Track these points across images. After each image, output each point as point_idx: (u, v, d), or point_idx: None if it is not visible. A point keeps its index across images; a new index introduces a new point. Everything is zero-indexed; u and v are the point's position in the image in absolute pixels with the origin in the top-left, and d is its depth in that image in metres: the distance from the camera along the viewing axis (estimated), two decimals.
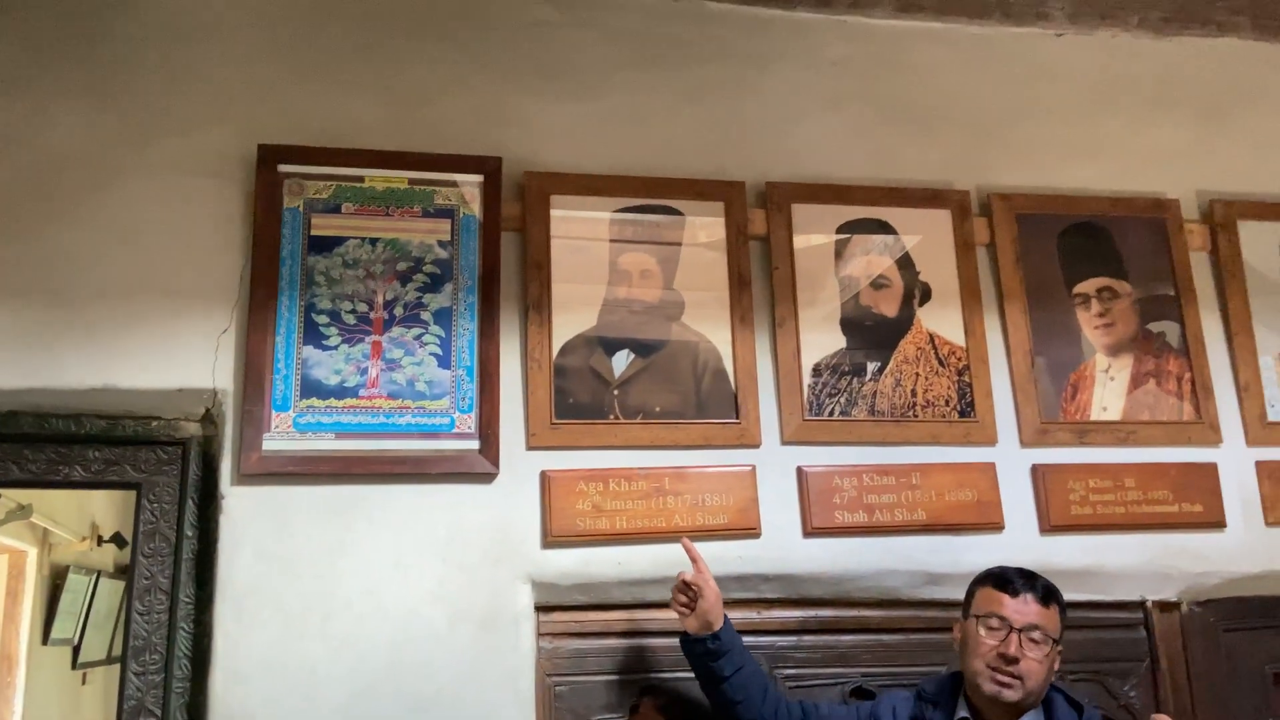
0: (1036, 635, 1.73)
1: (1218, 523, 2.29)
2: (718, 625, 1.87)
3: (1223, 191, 2.54)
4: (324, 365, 2.03)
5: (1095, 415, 2.32)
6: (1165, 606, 2.28)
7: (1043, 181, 2.48)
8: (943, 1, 2.53)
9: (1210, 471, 2.31)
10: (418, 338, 2.09)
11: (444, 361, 2.08)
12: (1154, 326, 2.40)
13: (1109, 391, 2.34)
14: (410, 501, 2.02)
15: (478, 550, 2.02)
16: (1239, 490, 2.32)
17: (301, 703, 1.90)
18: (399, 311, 2.09)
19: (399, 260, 2.12)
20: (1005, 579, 1.80)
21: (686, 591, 1.89)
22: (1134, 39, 2.66)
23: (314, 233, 2.09)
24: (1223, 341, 2.43)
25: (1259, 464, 2.34)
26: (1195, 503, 2.28)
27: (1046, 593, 1.79)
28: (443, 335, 2.09)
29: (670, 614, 2.13)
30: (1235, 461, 2.34)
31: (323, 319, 2.06)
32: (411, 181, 2.16)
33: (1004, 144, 2.50)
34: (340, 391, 2.03)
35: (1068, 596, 2.22)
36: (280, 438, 1.99)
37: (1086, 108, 2.57)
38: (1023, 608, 1.75)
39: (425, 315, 2.10)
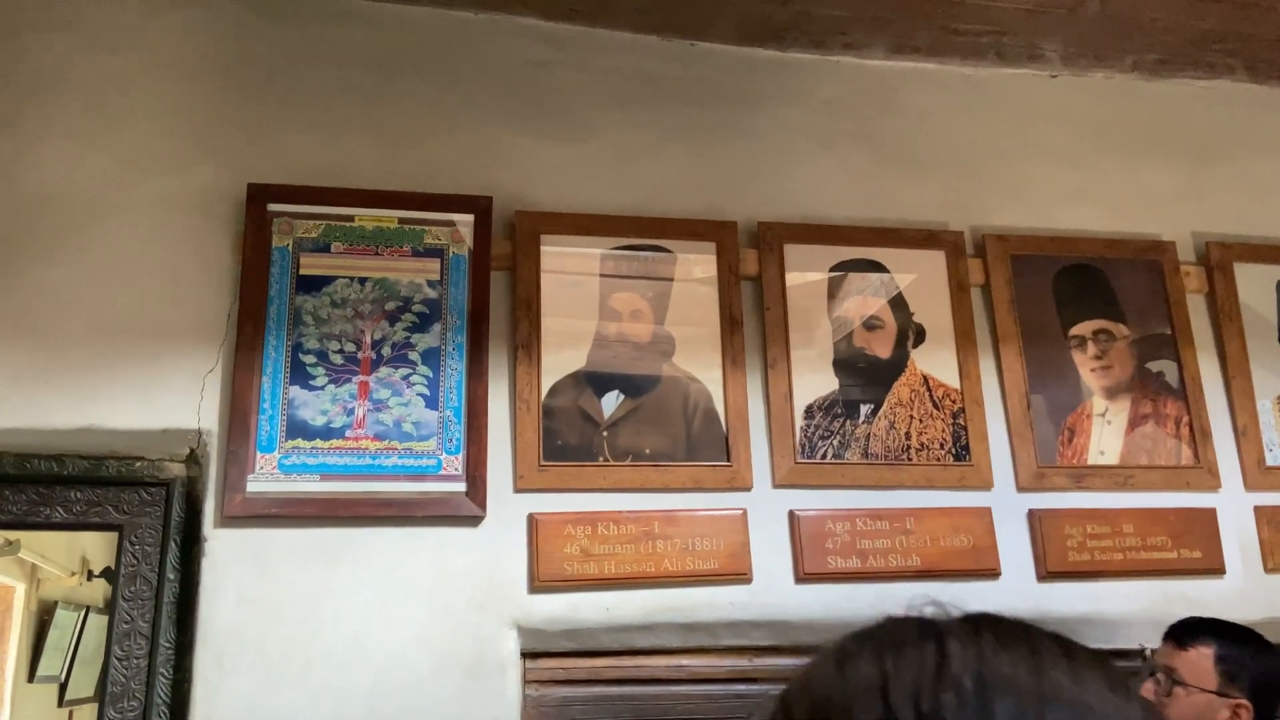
0: (1160, 677, 1.74)
1: (1217, 569, 2.26)
2: None
3: (1219, 233, 2.53)
4: (310, 406, 2.01)
5: (1093, 459, 2.29)
6: None
7: (1038, 223, 2.46)
8: (936, 43, 2.54)
9: (1209, 517, 2.28)
10: (405, 378, 2.07)
11: (431, 402, 2.06)
12: (1151, 369, 2.38)
13: (1106, 435, 2.31)
14: (395, 545, 1.99)
15: (463, 595, 1.99)
16: (1238, 536, 2.29)
17: None
18: (387, 351, 2.08)
19: (388, 300, 2.10)
20: (1181, 630, 1.81)
21: None
22: (1128, 81, 2.66)
23: (303, 272, 2.08)
24: (1220, 384, 2.40)
25: (1258, 509, 2.31)
26: (1194, 549, 2.25)
27: (1187, 634, 1.77)
28: (430, 375, 2.07)
29: (660, 661, 2.11)
30: (1234, 506, 2.31)
31: (310, 359, 2.04)
32: (401, 221, 2.15)
33: (998, 185, 2.50)
34: (326, 432, 2.00)
35: None
36: (264, 479, 1.96)
37: (1081, 149, 2.56)
38: (1161, 649, 1.80)
39: (413, 355, 2.08)
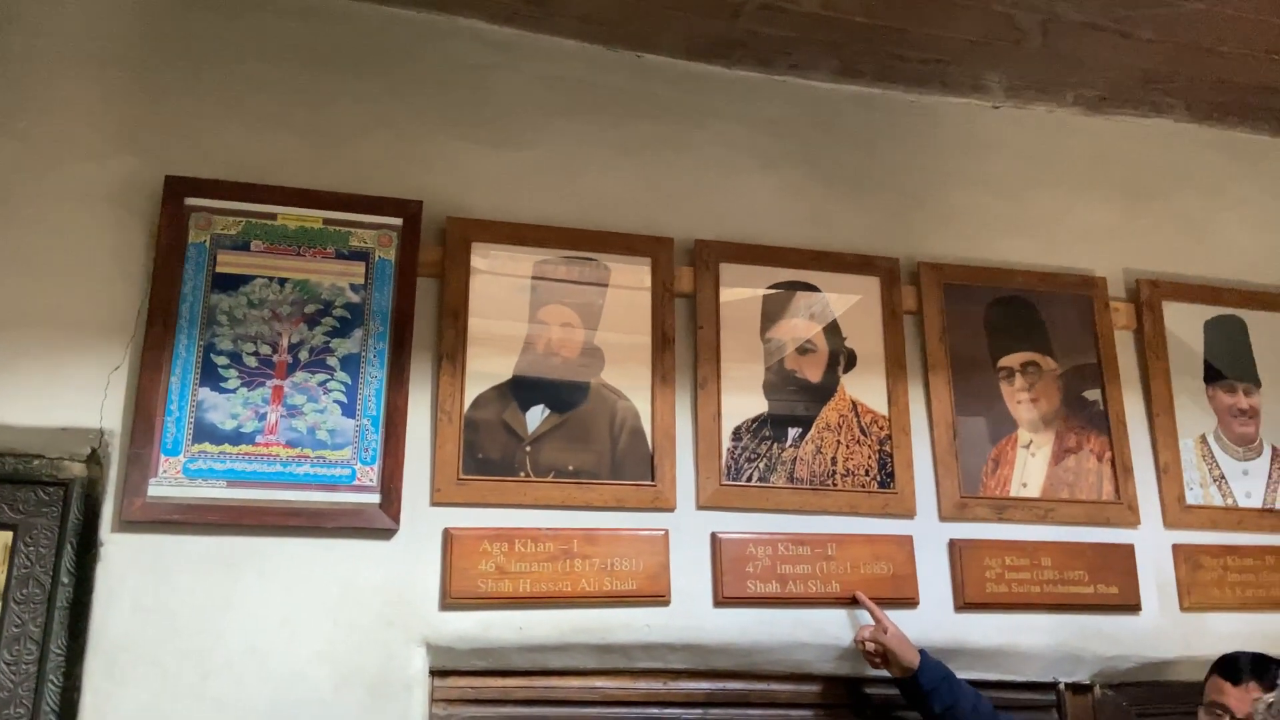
0: (1218, 713, 1.74)
1: (1133, 605, 2.27)
2: (913, 664, 1.99)
3: (1150, 271, 2.55)
4: (220, 409, 1.95)
5: (1015, 491, 2.30)
6: (1078, 689, 2.25)
7: (972, 253, 2.47)
8: (882, 68, 2.53)
9: (1127, 553, 2.30)
10: (322, 384, 2.01)
11: (349, 410, 2.01)
12: (1077, 404, 2.39)
13: (1030, 467, 2.32)
14: (303, 556, 1.93)
15: (371, 610, 1.93)
16: (1155, 573, 2.31)
17: None
18: (304, 356, 2.02)
19: (308, 302, 2.05)
20: (1232, 666, 1.79)
21: (870, 645, 2.04)
22: (1069, 115, 2.68)
23: (219, 270, 2.01)
24: (1144, 421, 2.43)
25: (1175, 547, 2.33)
26: (1111, 584, 2.26)
27: (1238, 670, 1.77)
28: (349, 383, 2.02)
29: (573, 682, 2.08)
30: (1152, 544, 2.33)
31: (222, 360, 1.97)
32: (326, 221, 2.09)
33: (936, 213, 2.50)
34: (236, 437, 1.94)
35: (979, 676, 2.21)
36: (168, 484, 1.89)
37: (1019, 181, 2.58)
38: (1244, 696, 1.74)
39: (332, 361, 2.02)
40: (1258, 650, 2.29)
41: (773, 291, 2.34)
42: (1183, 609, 2.30)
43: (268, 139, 2.14)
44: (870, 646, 2.05)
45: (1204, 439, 2.43)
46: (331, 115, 2.20)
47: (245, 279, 2.02)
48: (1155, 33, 2.36)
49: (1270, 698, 1.67)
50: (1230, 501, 2.40)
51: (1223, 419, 2.45)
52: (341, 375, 2.02)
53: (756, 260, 2.35)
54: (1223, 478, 2.41)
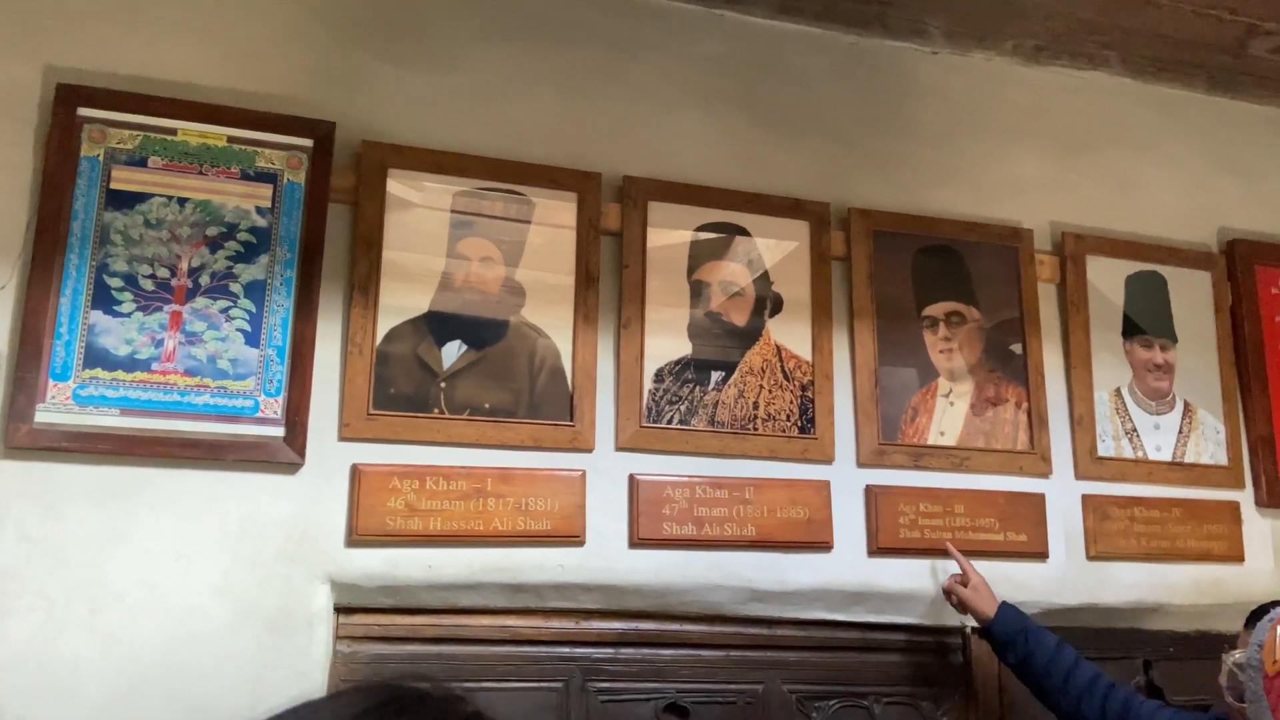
0: None
1: (1041, 553, 2.31)
2: (989, 613, 2.08)
3: (1076, 225, 2.56)
4: (113, 333, 1.85)
5: (932, 439, 2.31)
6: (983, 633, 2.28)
7: (904, 200, 2.45)
8: (824, 7, 2.47)
9: (1038, 502, 2.33)
10: (224, 311, 1.92)
11: (252, 339, 1.92)
12: (999, 354, 2.40)
13: (948, 416, 2.33)
14: (200, 489, 1.86)
15: (273, 546, 1.88)
16: (1064, 522, 2.35)
17: (61, 701, 1.73)
18: (205, 281, 1.92)
19: (210, 224, 1.94)
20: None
21: (951, 597, 2.15)
22: (1007, 65, 2.66)
23: (114, 186, 1.90)
24: (1062, 374, 2.45)
25: (1085, 497, 2.37)
26: (1021, 532, 2.30)
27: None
28: (253, 310, 1.93)
29: (484, 620, 2.06)
30: (1063, 493, 2.37)
31: (116, 282, 1.87)
32: (231, 140, 1.98)
33: (869, 159, 2.47)
34: (130, 364, 1.85)
35: (890, 620, 2.24)
36: (56, 410, 1.80)
37: (953, 130, 2.55)
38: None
39: (235, 287, 1.93)
40: (1158, 600, 2.36)
41: (702, 233, 2.29)
42: (1089, 558, 2.35)
43: (170, 48, 2.01)
44: (951, 597, 2.15)
45: (1119, 392, 2.46)
46: (240, 24, 2.07)
47: (142, 197, 1.91)
48: None
49: (1236, 656, 1.69)
50: (1141, 454, 2.44)
51: (1138, 373, 2.49)
52: (245, 302, 1.93)
53: (686, 200, 2.30)
54: (1135, 431, 2.45)
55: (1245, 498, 2.51)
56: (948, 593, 2.16)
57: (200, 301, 1.91)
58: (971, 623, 2.26)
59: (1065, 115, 2.66)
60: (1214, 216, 2.71)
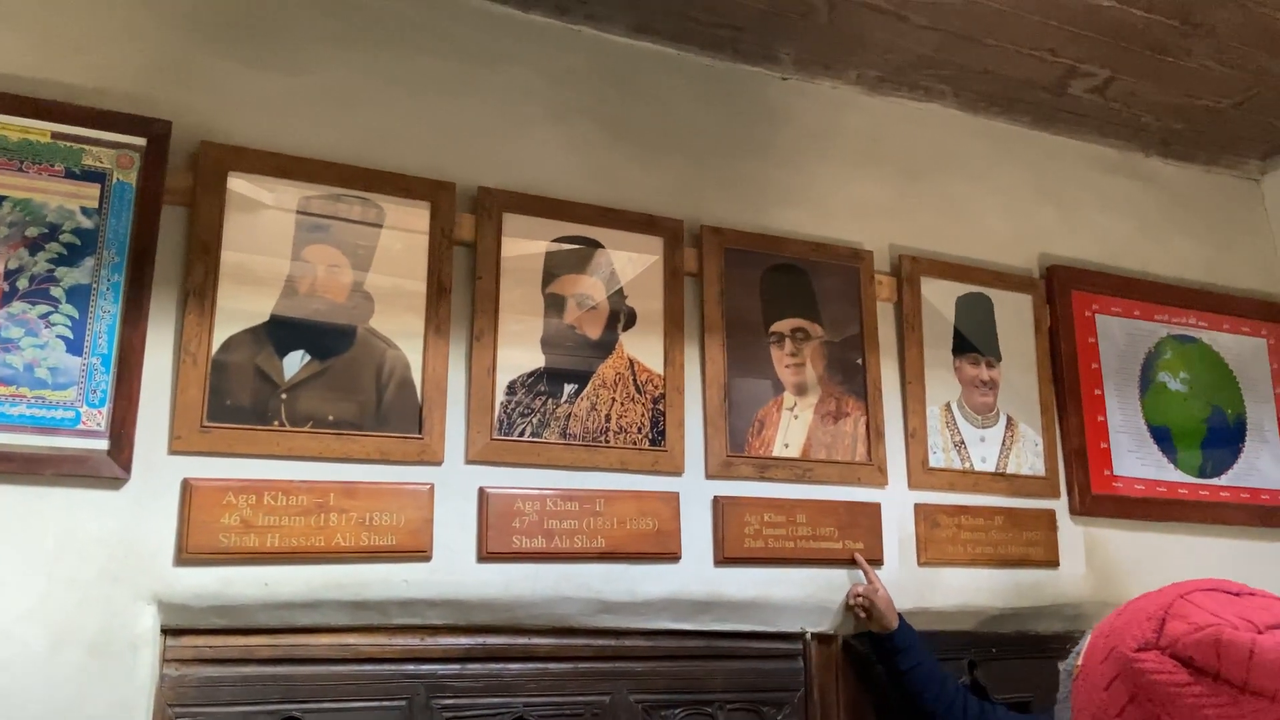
0: None
1: (876, 560, 2.43)
2: (892, 626, 2.24)
3: (912, 248, 2.70)
4: None
5: (777, 451, 2.39)
6: (823, 639, 2.38)
7: (754, 219, 2.53)
8: (679, 29, 2.53)
9: (874, 511, 2.45)
10: (44, 316, 1.81)
11: (75, 347, 1.81)
12: (841, 370, 2.51)
13: (792, 429, 2.42)
14: (12, 505, 1.74)
15: (94, 565, 1.77)
16: (898, 530, 2.48)
17: None
18: (23, 284, 1.80)
19: (30, 224, 1.83)
20: None
21: (861, 601, 2.29)
22: (851, 93, 2.78)
23: None
24: (898, 389, 2.58)
25: (917, 506, 2.51)
26: (859, 540, 2.41)
27: None
28: (76, 317, 1.82)
29: (324, 639, 2.01)
30: (897, 503, 2.49)
31: None
32: (55, 135, 1.87)
33: (722, 178, 2.54)
34: None
35: (734, 628, 2.31)
36: None
37: (801, 153, 2.65)
38: None
39: (56, 291, 1.82)
40: (982, 603, 2.51)
41: (557, 246, 2.31)
42: (920, 563, 2.48)
43: None
44: (861, 603, 2.29)
45: (949, 406, 2.62)
46: (68, 16, 1.96)
47: None
48: (929, 19, 2.48)
49: (1071, 661, 1.82)
50: (968, 465, 2.60)
51: (966, 389, 2.65)
52: (67, 308, 1.82)
53: (542, 212, 2.31)
54: (962, 443, 2.60)
55: (1060, 506, 2.70)
56: (857, 599, 2.31)
57: (17, 306, 1.79)
58: (813, 628, 2.36)
59: (904, 143, 2.81)
60: (1036, 243, 2.91)
